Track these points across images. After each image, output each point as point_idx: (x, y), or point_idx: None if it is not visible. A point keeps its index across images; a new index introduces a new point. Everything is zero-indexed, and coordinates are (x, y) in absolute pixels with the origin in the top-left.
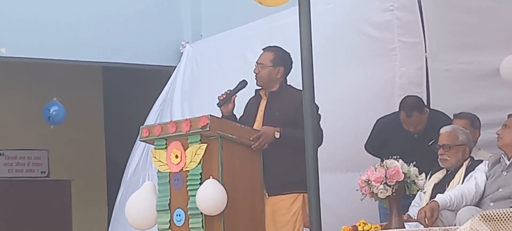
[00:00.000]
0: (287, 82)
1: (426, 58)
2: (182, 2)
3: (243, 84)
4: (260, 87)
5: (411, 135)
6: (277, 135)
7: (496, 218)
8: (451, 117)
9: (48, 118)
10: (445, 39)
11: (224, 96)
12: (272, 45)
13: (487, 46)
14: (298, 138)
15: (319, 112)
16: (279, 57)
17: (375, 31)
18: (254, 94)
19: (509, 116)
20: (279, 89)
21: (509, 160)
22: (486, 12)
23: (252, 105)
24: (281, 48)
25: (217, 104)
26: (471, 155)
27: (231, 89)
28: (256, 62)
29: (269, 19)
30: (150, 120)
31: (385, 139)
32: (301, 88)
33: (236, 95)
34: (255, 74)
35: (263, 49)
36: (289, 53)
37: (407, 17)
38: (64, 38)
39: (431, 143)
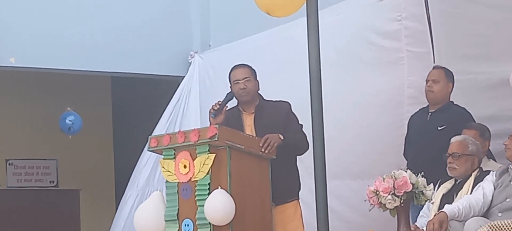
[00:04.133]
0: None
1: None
2: (191, 12)
3: (231, 95)
4: (242, 102)
5: (425, 117)
6: (282, 137)
7: (504, 229)
8: (470, 113)
9: (68, 128)
10: (454, 50)
11: (217, 107)
12: (239, 63)
13: (496, 57)
14: (298, 140)
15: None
16: (254, 72)
17: (383, 40)
18: (229, 108)
19: None
20: (261, 103)
21: None
22: (494, 23)
23: (230, 121)
24: (249, 64)
25: (212, 114)
26: (481, 165)
27: (221, 100)
28: (238, 79)
29: (278, 30)
30: (159, 130)
31: (408, 135)
32: (279, 100)
33: (227, 107)
34: (241, 90)
35: (234, 68)
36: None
37: (415, 26)
38: (73, 48)
39: (442, 128)
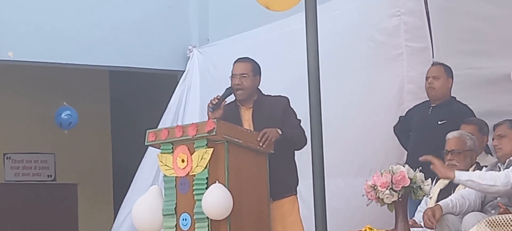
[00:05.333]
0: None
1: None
2: (190, 6)
3: (230, 91)
4: (240, 99)
5: (426, 111)
6: (280, 131)
7: (502, 223)
8: (472, 110)
9: (67, 123)
10: (453, 45)
11: (216, 101)
12: (242, 57)
13: (496, 52)
14: (296, 135)
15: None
16: (256, 67)
17: (382, 36)
18: (228, 103)
19: (496, 126)
20: (259, 98)
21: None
22: (494, 18)
23: (228, 115)
24: (253, 59)
25: (210, 108)
26: (477, 160)
27: (220, 95)
28: (235, 74)
29: (277, 25)
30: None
31: (409, 126)
32: (277, 95)
33: (225, 101)
34: (236, 85)
35: (236, 61)
36: (259, 65)
37: (414, 22)
38: (71, 42)
39: (442, 122)
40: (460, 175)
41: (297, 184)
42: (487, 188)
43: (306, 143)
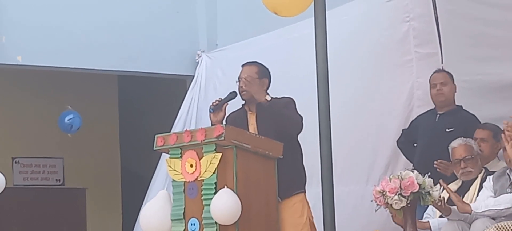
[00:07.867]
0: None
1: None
2: (198, 11)
3: (233, 95)
4: (244, 102)
5: (433, 118)
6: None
7: (510, 229)
8: (479, 120)
9: (69, 127)
10: (462, 51)
11: (216, 103)
12: (250, 61)
13: (506, 58)
14: (286, 113)
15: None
16: (263, 70)
17: (391, 42)
18: (237, 109)
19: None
20: (265, 100)
21: None
22: (504, 24)
23: (237, 121)
24: (261, 63)
25: (211, 109)
26: (487, 166)
27: (222, 98)
28: (239, 77)
29: (285, 31)
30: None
31: (414, 136)
32: (283, 96)
33: (227, 104)
34: (240, 88)
35: (243, 65)
36: (268, 68)
37: (423, 28)
38: (79, 47)
39: (450, 130)
40: (476, 208)
41: (305, 182)
42: (505, 211)
43: (300, 129)
